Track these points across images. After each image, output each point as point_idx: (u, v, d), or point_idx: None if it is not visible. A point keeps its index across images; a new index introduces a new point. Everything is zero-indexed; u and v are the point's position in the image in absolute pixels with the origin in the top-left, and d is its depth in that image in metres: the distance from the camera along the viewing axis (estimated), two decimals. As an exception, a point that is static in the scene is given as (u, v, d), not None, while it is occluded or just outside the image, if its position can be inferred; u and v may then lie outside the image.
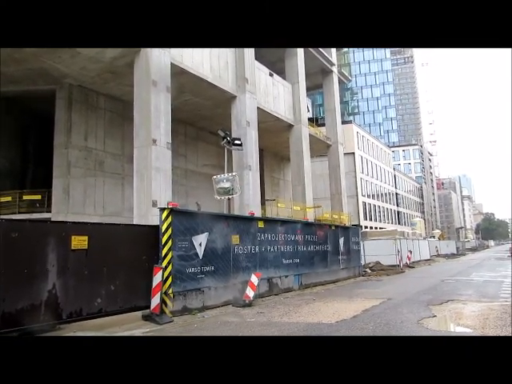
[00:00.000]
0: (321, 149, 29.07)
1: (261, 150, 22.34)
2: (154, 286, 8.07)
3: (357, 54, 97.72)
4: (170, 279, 8.46)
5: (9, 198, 16.67)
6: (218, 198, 13.10)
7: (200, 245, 9.35)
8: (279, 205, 22.17)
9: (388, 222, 56.36)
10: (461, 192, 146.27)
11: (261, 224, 11.82)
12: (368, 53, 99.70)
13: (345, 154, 32.37)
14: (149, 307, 8.04)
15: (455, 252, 46.82)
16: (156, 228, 8.81)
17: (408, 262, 25.09)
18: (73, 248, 7.12)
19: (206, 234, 9.57)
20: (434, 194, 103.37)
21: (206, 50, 16.86)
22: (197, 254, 9.25)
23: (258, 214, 17.57)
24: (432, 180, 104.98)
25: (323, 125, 31.17)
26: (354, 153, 45.83)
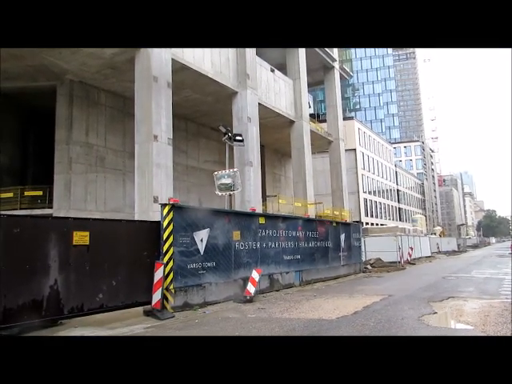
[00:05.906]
0: (322, 145, 29.02)
1: (262, 146, 22.30)
2: (155, 282, 8.09)
3: (358, 50, 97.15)
4: (172, 275, 8.48)
5: (10, 194, 16.70)
6: (219, 194, 13.09)
7: (201, 241, 9.36)
8: (280, 201, 22.14)
9: (389, 219, 56.34)
10: (462, 189, 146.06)
11: (262, 220, 11.83)
12: (370, 49, 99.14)
13: (346, 150, 32.29)
14: (150, 303, 8.07)
15: (456, 249, 46.77)
16: (157, 224, 8.82)
17: (409, 259, 25.09)
18: (74, 244, 7.14)
19: (208, 229, 9.57)
20: (435, 190, 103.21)
21: (207, 46, 16.82)
22: (198, 250, 9.27)
23: (259, 210, 17.57)
24: (433, 177, 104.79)
25: (324, 121, 31.12)
26: (355, 149, 45.73)
